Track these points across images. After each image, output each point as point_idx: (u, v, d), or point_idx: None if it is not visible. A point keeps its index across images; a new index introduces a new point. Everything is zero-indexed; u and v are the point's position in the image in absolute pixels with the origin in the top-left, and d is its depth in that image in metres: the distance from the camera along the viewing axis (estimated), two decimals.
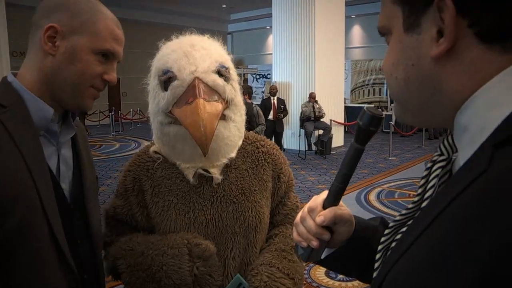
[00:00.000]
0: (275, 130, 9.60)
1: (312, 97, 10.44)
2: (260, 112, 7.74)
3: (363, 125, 0.73)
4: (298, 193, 7.12)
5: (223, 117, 1.24)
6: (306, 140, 10.71)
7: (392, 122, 10.81)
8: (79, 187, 1.15)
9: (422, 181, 0.63)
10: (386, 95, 16.65)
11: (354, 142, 0.76)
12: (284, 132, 10.26)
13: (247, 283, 1.26)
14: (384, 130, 14.59)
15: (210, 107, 1.17)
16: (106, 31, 1.06)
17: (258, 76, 19.75)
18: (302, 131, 10.62)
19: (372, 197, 6.79)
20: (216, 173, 1.27)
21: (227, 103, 1.26)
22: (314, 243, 0.82)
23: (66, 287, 1.03)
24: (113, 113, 16.50)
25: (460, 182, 0.49)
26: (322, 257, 0.90)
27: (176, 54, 1.24)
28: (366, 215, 5.78)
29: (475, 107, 0.53)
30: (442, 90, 0.56)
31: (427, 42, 0.55)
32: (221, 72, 1.25)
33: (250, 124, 6.90)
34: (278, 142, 9.73)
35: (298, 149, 10.63)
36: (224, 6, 20.70)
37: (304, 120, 10.40)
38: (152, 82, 1.31)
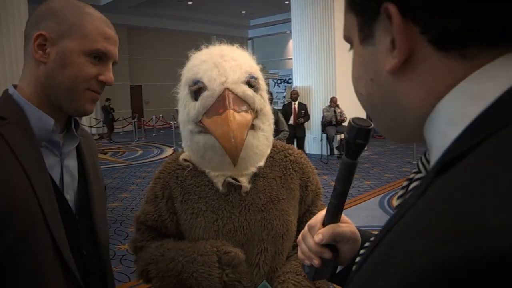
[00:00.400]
0: (296, 135, 9.53)
1: (333, 101, 10.38)
2: (282, 118, 7.69)
3: (350, 138, 0.69)
4: None
5: (252, 126, 1.25)
6: (328, 145, 10.65)
7: None
8: (85, 197, 1.14)
9: (398, 201, 0.60)
10: None
11: (344, 157, 0.72)
12: (305, 137, 10.18)
13: None
14: None
15: (240, 118, 1.18)
16: (95, 31, 1.04)
17: (279, 81, 19.74)
18: (324, 135, 10.56)
19: (396, 202, 6.68)
20: (244, 182, 1.28)
21: (256, 113, 1.27)
22: (316, 262, 0.80)
23: None
24: (136, 120, 16.72)
25: (404, 207, 0.45)
26: (337, 271, 0.87)
27: (206, 65, 1.25)
28: None
29: (436, 124, 0.46)
30: (404, 107, 0.50)
31: (383, 54, 0.48)
32: (251, 83, 1.26)
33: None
34: (300, 147, 9.68)
35: (320, 153, 10.57)
36: (243, 12, 20.81)
37: (326, 124, 10.35)
38: (183, 91, 1.32)
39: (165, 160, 1.44)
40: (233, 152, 1.17)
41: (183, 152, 1.39)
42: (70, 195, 1.10)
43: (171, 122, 14.96)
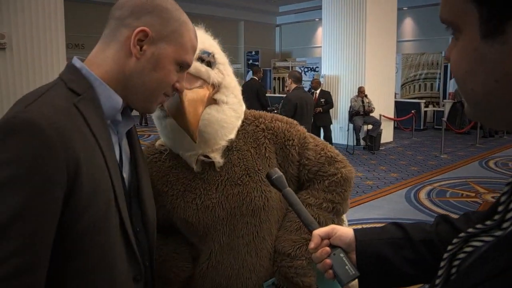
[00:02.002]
0: (316, 124, 9.19)
1: (361, 91, 10.24)
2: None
3: (269, 180, 1.11)
4: None
5: (214, 101, 1.27)
6: (354, 135, 10.54)
7: (444, 118, 10.47)
8: (135, 177, 1.16)
9: (503, 198, 0.58)
10: (438, 90, 16.15)
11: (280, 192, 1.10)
12: (330, 127, 9.84)
13: (273, 279, 1.33)
14: (435, 127, 14.20)
15: (192, 94, 1.19)
16: (189, 43, 1.07)
17: (306, 69, 19.60)
18: (351, 125, 10.46)
19: (423, 195, 6.60)
20: (217, 157, 1.30)
21: (215, 87, 1.27)
22: (327, 261, 0.94)
23: (131, 277, 1.05)
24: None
25: None
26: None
27: None
28: (416, 214, 5.65)
29: None
30: None
31: None
32: (203, 58, 1.25)
33: (298, 115, 6.76)
34: (326, 138, 9.51)
35: (346, 143, 10.48)
36: None
37: (353, 114, 10.24)
38: None
39: (144, 146, 1.44)
40: (189, 128, 1.18)
41: (159, 138, 1.41)
42: (126, 174, 1.12)
43: None
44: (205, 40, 1.31)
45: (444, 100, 15.00)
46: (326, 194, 1.35)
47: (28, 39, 5.84)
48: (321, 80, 11.02)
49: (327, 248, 0.95)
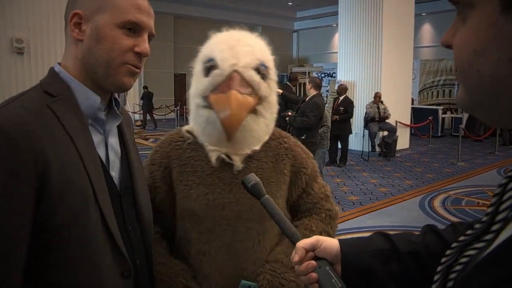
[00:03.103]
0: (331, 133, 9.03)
1: (377, 97, 10.15)
2: (327, 113, 7.51)
3: (245, 187, 1.06)
4: (359, 195, 6.97)
5: (254, 111, 1.31)
6: (369, 141, 10.46)
7: (462, 126, 10.32)
8: (128, 174, 1.17)
9: (494, 199, 0.56)
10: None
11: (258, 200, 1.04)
12: (346, 136, 9.51)
13: (255, 283, 1.31)
14: (453, 134, 14.00)
15: (242, 99, 1.25)
16: (126, 3, 1.04)
17: (323, 75, 19.53)
18: (366, 131, 10.37)
19: (437, 203, 6.51)
20: (237, 161, 1.34)
21: (260, 99, 1.32)
22: (313, 275, 0.91)
23: (119, 273, 1.05)
24: (178, 107, 16.95)
25: None
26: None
27: (222, 46, 1.33)
28: (430, 222, 5.51)
29: None
30: None
31: None
32: (260, 70, 1.31)
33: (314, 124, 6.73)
34: (342, 148, 9.30)
35: (361, 150, 10.40)
36: (290, 3, 20.66)
37: (369, 120, 10.15)
38: (197, 67, 1.39)
39: (168, 132, 1.51)
40: (229, 128, 1.24)
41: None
42: (115, 172, 1.13)
43: None
44: (265, 53, 1.38)
45: None
46: (324, 225, 1.44)
47: (45, 44, 5.93)
48: (336, 86, 10.95)
49: (313, 262, 0.92)
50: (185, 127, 1.43)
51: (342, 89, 9.69)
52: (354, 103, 10.87)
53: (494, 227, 0.55)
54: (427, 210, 6.18)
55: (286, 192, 1.45)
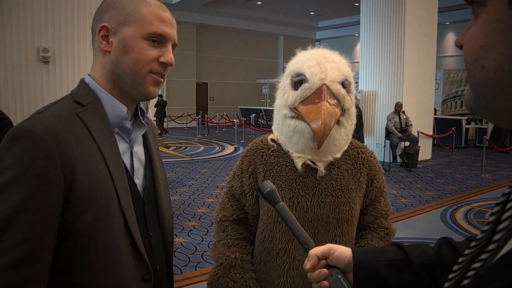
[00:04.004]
0: None
1: (398, 106, 10.05)
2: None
3: (261, 194, 1.08)
4: None
5: (338, 122, 1.42)
6: (391, 152, 10.35)
7: (487, 137, 10.12)
8: (152, 182, 1.21)
9: (496, 208, 0.55)
10: None
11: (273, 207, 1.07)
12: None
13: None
14: (477, 145, 13.74)
15: (331, 109, 1.37)
16: (150, 15, 1.09)
17: None
18: (387, 142, 10.27)
19: (459, 215, 6.38)
20: (321, 167, 1.45)
21: (343, 111, 1.44)
22: (325, 283, 0.92)
23: (139, 277, 1.08)
24: (200, 116, 17.09)
25: None
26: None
27: (310, 62, 1.44)
28: (451, 234, 5.45)
29: None
30: None
31: None
32: (344, 84, 1.43)
33: None
34: None
35: (382, 160, 10.29)
36: (312, 13, 20.69)
37: (390, 131, 10.05)
38: (284, 81, 1.52)
39: (253, 140, 1.62)
40: (321, 136, 1.34)
41: (271, 133, 1.57)
42: (139, 180, 1.16)
43: (234, 120, 15.15)
44: (348, 70, 1.50)
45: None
46: (382, 243, 1.53)
47: (70, 53, 6.09)
48: (358, 95, 10.90)
49: (325, 270, 0.93)
50: (270, 136, 1.55)
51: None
52: (375, 113, 10.81)
53: (496, 237, 0.54)
54: (448, 222, 6.06)
55: (362, 200, 1.55)
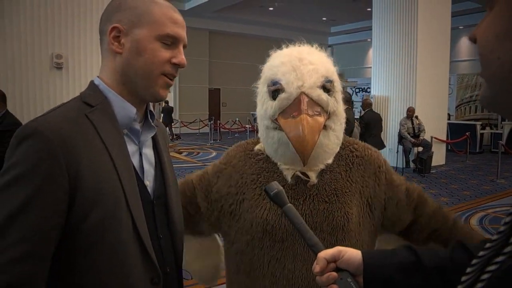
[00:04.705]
0: None
1: (410, 111, 9.98)
2: (356, 129, 7.44)
3: (268, 195, 1.06)
4: None
5: (324, 127, 1.31)
6: (404, 157, 10.25)
7: (502, 142, 9.97)
8: (162, 184, 1.20)
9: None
10: None
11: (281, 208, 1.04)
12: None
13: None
14: (492, 150, 13.56)
15: (312, 122, 1.25)
16: (163, 17, 1.09)
17: (357, 90, 19.35)
18: (400, 147, 10.19)
19: (474, 221, 6.29)
20: (313, 176, 1.35)
21: (329, 115, 1.32)
22: (334, 287, 0.90)
23: (148, 279, 1.07)
24: (212, 122, 17.13)
25: None
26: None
27: (285, 67, 1.32)
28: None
29: None
30: None
31: None
32: (326, 87, 1.31)
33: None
34: None
35: (395, 166, 10.18)
36: (324, 18, 20.67)
37: (402, 136, 9.97)
38: (262, 88, 1.40)
39: (241, 142, 1.53)
40: (304, 154, 1.24)
41: (259, 141, 1.47)
42: (149, 181, 1.16)
43: (247, 126, 15.16)
44: (329, 68, 1.37)
45: (503, 122, 14.32)
46: (431, 204, 1.45)
47: (82, 59, 6.17)
48: (371, 100, 10.84)
49: (334, 273, 0.91)
50: (257, 146, 1.45)
51: (366, 104, 9.68)
52: (388, 118, 10.73)
53: None
54: None
55: (360, 201, 1.41)
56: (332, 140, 1.35)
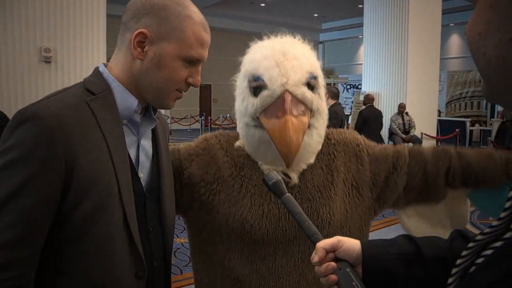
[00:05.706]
0: None
1: (401, 107, 10.02)
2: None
3: (266, 185, 1.05)
4: None
5: (308, 126, 1.25)
6: None
7: (491, 138, 10.04)
8: (157, 177, 1.18)
9: None
10: (486, 109, 15.60)
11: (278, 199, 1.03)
12: None
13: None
14: (482, 146, 13.67)
15: (297, 123, 1.19)
16: (192, 37, 1.07)
17: (348, 86, 19.42)
18: (391, 143, 10.23)
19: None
20: (295, 177, 1.29)
21: (313, 113, 1.26)
22: (333, 277, 0.88)
23: (133, 272, 1.06)
24: (203, 118, 17.09)
25: None
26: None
27: (268, 62, 1.23)
28: None
29: None
30: None
31: None
32: (310, 83, 1.24)
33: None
34: None
35: None
36: (316, 15, 20.69)
37: (393, 132, 10.01)
38: (242, 83, 1.32)
39: (221, 132, 1.45)
40: (288, 157, 1.19)
41: (238, 136, 1.39)
42: (143, 174, 1.15)
43: None
44: (312, 62, 1.29)
45: (492, 119, 14.46)
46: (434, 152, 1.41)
47: (71, 53, 6.10)
48: (361, 97, 10.87)
49: (333, 263, 0.89)
50: (237, 143, 1.37)
51: (368, 99, 9.65)
52: None
53: None
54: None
55: (343, 188, 1.36)
56: (315, 139, 1.30)
